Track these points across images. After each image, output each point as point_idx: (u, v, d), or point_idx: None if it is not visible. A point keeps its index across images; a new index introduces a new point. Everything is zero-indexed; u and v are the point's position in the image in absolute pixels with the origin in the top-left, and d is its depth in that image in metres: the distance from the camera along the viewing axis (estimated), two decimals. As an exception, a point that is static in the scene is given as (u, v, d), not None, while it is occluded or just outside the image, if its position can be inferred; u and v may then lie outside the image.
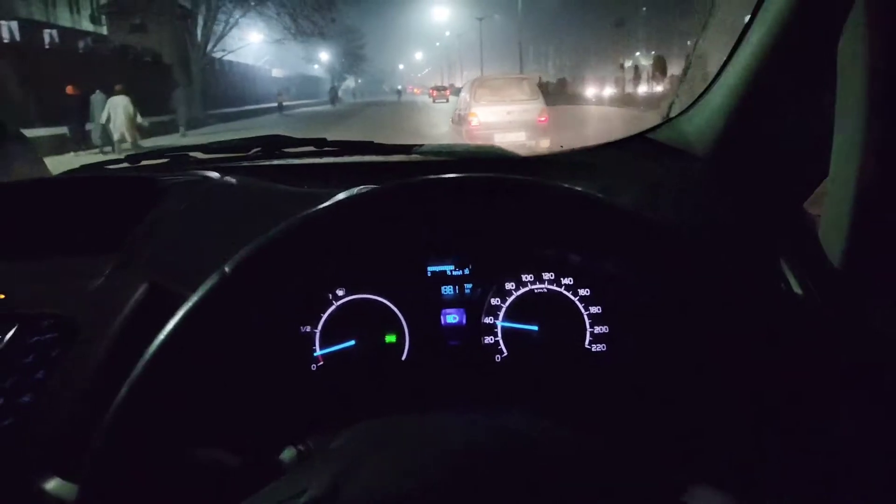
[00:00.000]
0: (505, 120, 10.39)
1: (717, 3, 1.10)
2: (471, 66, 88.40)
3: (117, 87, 15.48)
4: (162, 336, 0.65)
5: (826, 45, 0.85)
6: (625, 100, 28.43)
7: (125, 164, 1.40)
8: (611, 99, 31.39)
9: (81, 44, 28.85)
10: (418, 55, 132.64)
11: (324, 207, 0.76)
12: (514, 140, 9.94)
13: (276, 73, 57.11)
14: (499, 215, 0.84)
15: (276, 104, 36.83)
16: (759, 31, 0.98)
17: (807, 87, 0.96)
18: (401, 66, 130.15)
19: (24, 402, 0.78)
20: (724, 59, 1.07)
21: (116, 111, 14.94)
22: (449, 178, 0.80)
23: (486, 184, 0.81)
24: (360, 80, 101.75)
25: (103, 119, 14.96)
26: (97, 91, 15.97)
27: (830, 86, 0.82)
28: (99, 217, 1.06)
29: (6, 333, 0.85)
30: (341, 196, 0.90)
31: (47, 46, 25.47)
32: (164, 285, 0.93)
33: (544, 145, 9.79)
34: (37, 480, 0.75)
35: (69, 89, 15.60)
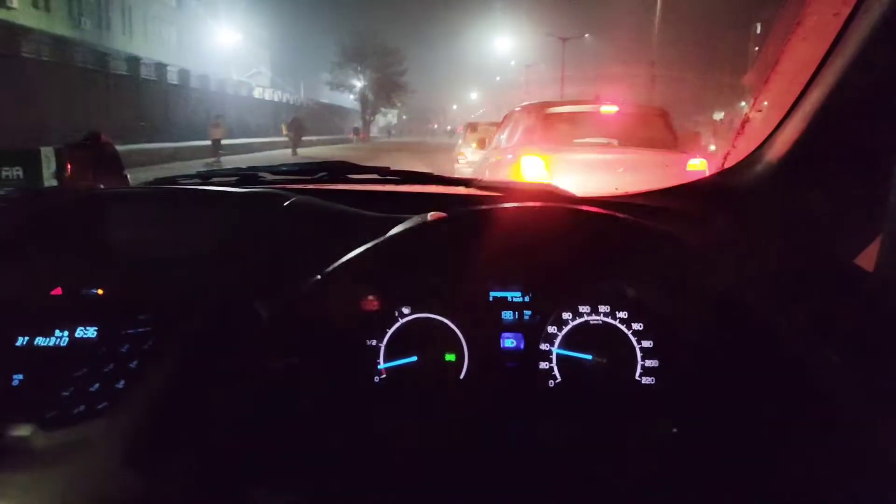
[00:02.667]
0: None
1: (780, 62, 1.13)
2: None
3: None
4: (265, 325, 0.74)
5: (884, 108, 0.88)
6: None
7: (197, 180, 1.48)
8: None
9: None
10: (473, 95, 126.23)
11: (410, 228, 0.85)
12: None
13: (277, 96, 44.93)
14: (563, 245, 0.91)
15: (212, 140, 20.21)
16: (818, 92, 1.01)
17: (864, 144, 0.98)
18: (454, 107, 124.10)
19: (118, 388, 0.85)
20: (783, 115, 1.10)
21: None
22: (516, 207, 0.88)
23: (550, 214, 0.89)
24: (404, 117, 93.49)
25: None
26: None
27: (888, 143, 0.84)
28: (183, 225, 1.14)
29: (106, 324, 0.93)
30: (418, 219, 0.98)
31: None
32: (245, 291, 0.99)
33: None
34: (125, 465, 0.81)
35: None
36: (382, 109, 64.30)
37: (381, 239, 0.83)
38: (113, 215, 1.17)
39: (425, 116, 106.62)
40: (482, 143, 8.44)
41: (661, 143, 6.02)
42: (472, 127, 12.81)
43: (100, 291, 0.98)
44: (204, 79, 31.71)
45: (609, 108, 6.16)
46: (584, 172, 5.49)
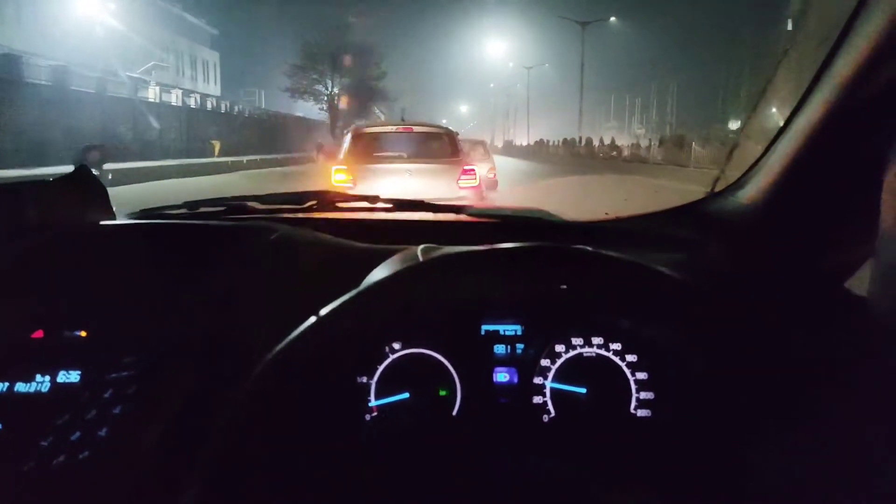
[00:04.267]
0: None
1: (770, 86, 1.13)
2: (522, 119, 78.06)
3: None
4: (261, 368, 0.72)
5: (873, 132, 0.88)
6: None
7: (184, 210, 1.47)
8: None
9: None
10: (463, 108, 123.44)
11: (407, 269, 0.85)
12: None
13: (195, 101, 34.25)
14: (553, 281, 0.90)
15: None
16: (809, 115, 1.01)
17: (854, 171, 0.98)
18: (444, 121, 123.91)
19: (100, 435, 0.82)
20: (772, 138, 1.11)
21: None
22: (510, 248, 0.88)
23: (543, 253, 0.88)
24: None
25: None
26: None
27: (879, 168, 0.84)
28: (171, 261, 1.12)
29: (87, 369, 0.90)
30: (409, 255, 0.98)
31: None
32: (235, 330, 0.98)
33: (493, 196, 11.64)
34: None
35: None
36: (357, 122, 51.35)
37: (373, 283, 0.83)
38: (97, 252, 1.15)
39: None
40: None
41: (442, 156, 7.59)
42: None
43: (83, 333, 0.95)
44: (59, 73, 20.80)
45: (405, 129, 8.06)
46: (379, 179, 7.03)
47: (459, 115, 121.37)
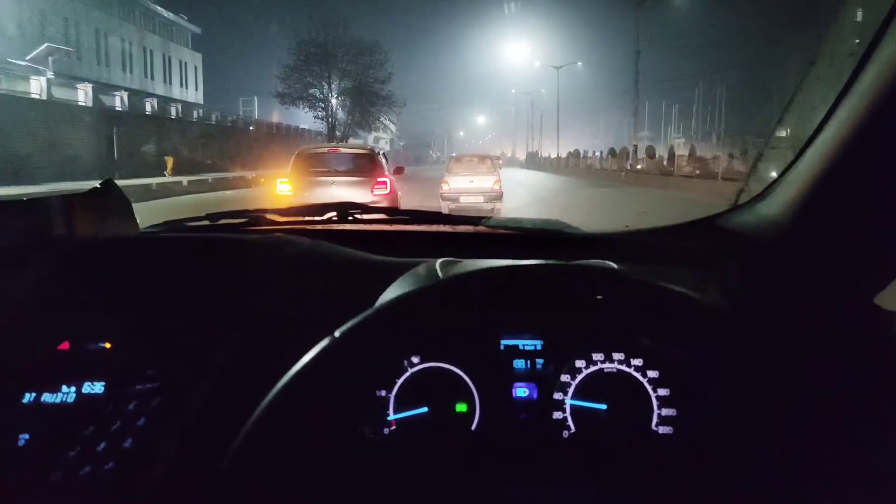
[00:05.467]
0: (469, 187, 13.51)
1: (793, 100, 1.13)
2: (548, 129, 71.61)
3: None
4: (276, 390, 0.73)
5: None
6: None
7: (206, 223, 1.47)
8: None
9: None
10: (480, 119, 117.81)
11: (424, 289, 0.86)
12: (474, 201, 13.25)
13: (121, 100, 27.70)
14: (573, 300, 0.91)
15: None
16: (836, 128, 1.00)
17: (881, 184, 0.97)
18: (461, 133, 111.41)
19: (125, 447, 0.83)
20: (798, 151, 1.10)
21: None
22: (529, 266, 0.90)
23: (563, 272, 0.90)
24: (401, 143, 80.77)
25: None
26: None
27: None
28: (194, 274, 1.13)
29: (113, 380, 0.91)
30: (428, 269, 0.99)
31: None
32: (257, 343, 0.98)
33: (499, 206, 13.29)
34: None
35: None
36: (359, 131, 43.12)
37: (389, 302, 0.84)
38: (121, 264, 1.16)
39: (425, 142, 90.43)
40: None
41: (361, 170, 9.83)
42: (457, 159, 15.52)
43: (107, 345, 0.96)
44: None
45: (335, 150, 11.01)
46: (312, 189, 9.28)
47: (475, 126, 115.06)
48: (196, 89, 50.16)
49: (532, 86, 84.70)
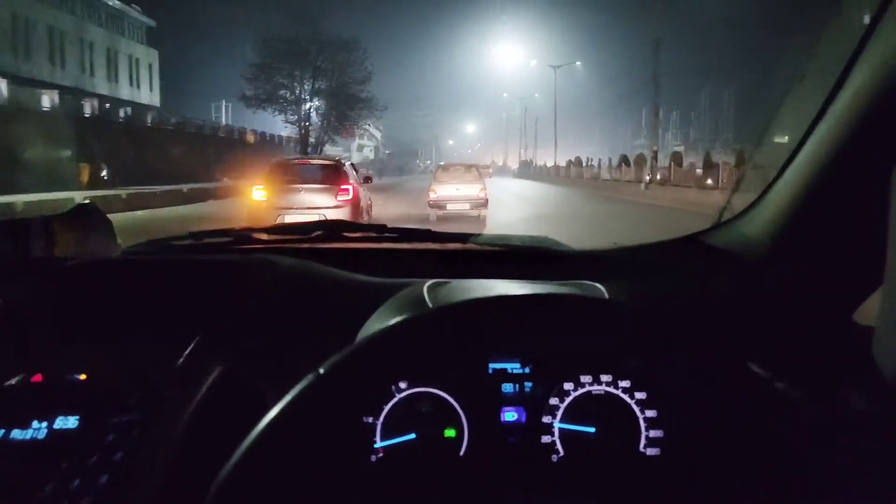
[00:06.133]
0: (455, 195, 14.66)
1: (777, 115, 1.15)
2: (543, 135, 68.30)
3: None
4: (261, 427, 0.72)
5: (881, 164, 0.86)
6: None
7: (189, 241, 1.46)
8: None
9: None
10: (470, 127, 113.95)
11: (410, 320, 0.86)
12: (460, 208, 14.48)
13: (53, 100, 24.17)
14: (564, 328, 0.92)
15: None
16: (815, 146, 1.02)
17: (860, 202, 0.98)
18: (450, 142, 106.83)
19: (101, 483, 0.80)
20: (780, 167, 1.11)
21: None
22: (517, 296, 0.92)
23: (552, 301, 0.92)
24: (387, 152, 76.81)
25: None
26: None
27: (886, 197, 0.85)
28: (175, 298, 1.10)
29: (88, 413, 0.88)
30: (416, 293, 1.00)
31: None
32: (240, 372, 0.96)
33: (484, 213, 14.53)
34: None
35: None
36: (336, 138, 38.74)
37: (375, 335, 0.85)
38: (100, 288, 1.13)
39: (412, 150, 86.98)
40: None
41: (327, 179, 11.04)
42: (445, 168, 16.64)
43: (83, 376, 0.93)
44: None
45: (305, 161, 13.12)
46: (284, 195, 10.59)
47: (465, 134, 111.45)
48: (151, 90, 44.93)
49: (525, 90, 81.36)
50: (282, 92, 35.13)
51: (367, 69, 36.03)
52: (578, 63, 74.26)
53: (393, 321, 0.86)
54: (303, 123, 35.47)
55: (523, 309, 0.91)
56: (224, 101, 49.36)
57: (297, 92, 35.43)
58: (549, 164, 56.42)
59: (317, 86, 35.73)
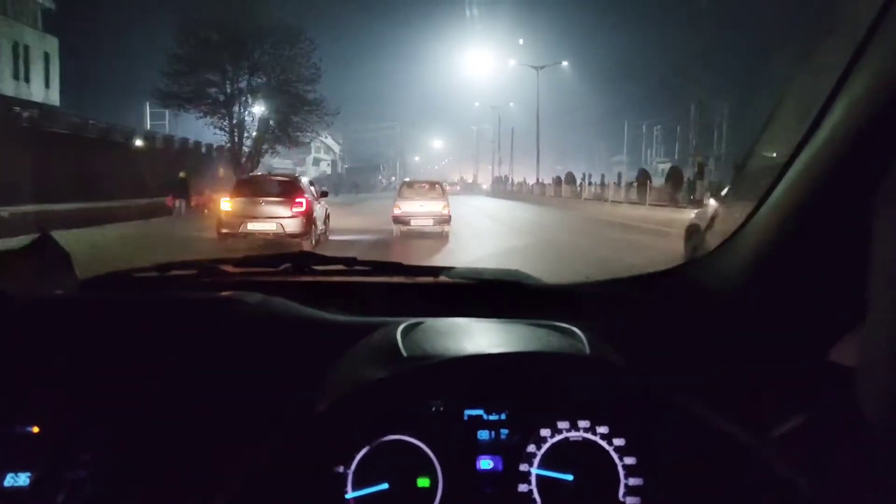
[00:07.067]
0: (419, 211, 15.16)
1: (751, 154, 1.16)
2: (519, 151, 61.23)
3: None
4: (229, 478, 0.73)
5: (858, 200, 0.87)
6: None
7: (154, 273, 1.40)
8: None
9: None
10: (437, 143, 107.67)
11: (382, 383, 0.88)
12: (424, 224, 14.95)
13: None
14: (537, 383, 0.94)
15: None
16: (792, 179, 1.02)
17: (842, 234, 0.97)
18: (416, 158, 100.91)
19: None
20: (756, 203, 1.11)
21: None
22: (494, 355, 0.94)
23: (527, 360, 0.94)
24: (346, 166, 70.88)
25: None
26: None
27: (865, 231, 0.84)
28: (137, 340, 1.05)
29: (40, 468, 0.84)
30: (387, 336, 1.00)
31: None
32: (203, 424, 0.92)
33: (447, 229, 14.97)
34: None
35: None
36: (278, 148, 31.01)
37: (350, 393, 0.86)
38: (56, 329, 1.06)
39: (374, 165, 78.03)
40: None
41: (284, 193, 12.54)
42: (409, 185, 17.48)
43: (35, 429, 0.88)
44: None
45: (266, 177, 15.33)
46: (246, 207, 12.17)
47: (431, 149, 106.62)
48: (47, 86, 35.22)
49: (501, 98, 74.23)
50: (211, 90, 28.14)
51: (316, 65, 29.33)
52: (565, 63, 67.05)
53: (366, 377, 0.86)
54: (235, 129, 28.65)
55: (500, 367, 0.91)
56: (147, 103, 39.58)
57: (230, 90, 28.35)
58: (530, 180, 48.69)
59: (254, 83, 28.89)
